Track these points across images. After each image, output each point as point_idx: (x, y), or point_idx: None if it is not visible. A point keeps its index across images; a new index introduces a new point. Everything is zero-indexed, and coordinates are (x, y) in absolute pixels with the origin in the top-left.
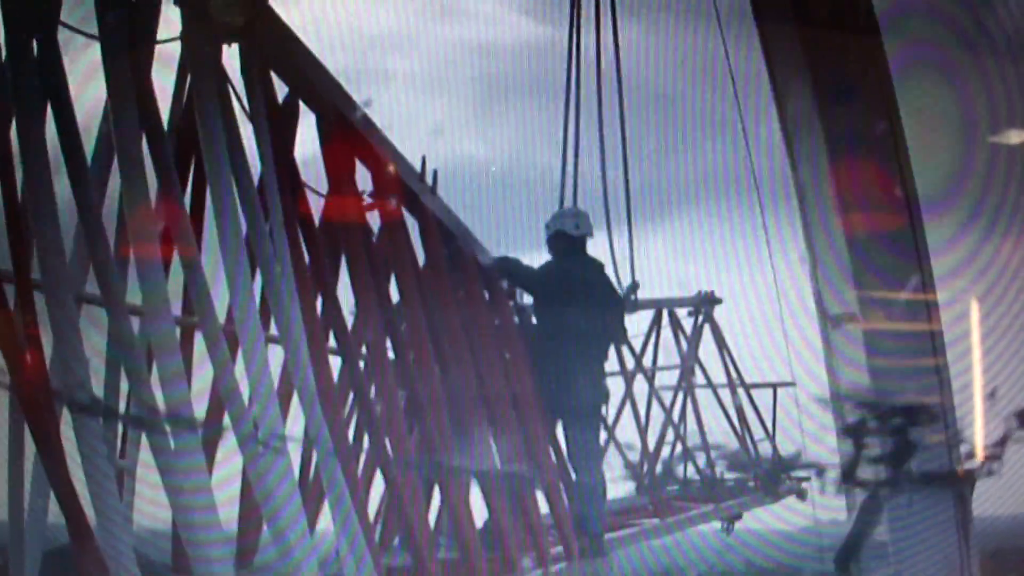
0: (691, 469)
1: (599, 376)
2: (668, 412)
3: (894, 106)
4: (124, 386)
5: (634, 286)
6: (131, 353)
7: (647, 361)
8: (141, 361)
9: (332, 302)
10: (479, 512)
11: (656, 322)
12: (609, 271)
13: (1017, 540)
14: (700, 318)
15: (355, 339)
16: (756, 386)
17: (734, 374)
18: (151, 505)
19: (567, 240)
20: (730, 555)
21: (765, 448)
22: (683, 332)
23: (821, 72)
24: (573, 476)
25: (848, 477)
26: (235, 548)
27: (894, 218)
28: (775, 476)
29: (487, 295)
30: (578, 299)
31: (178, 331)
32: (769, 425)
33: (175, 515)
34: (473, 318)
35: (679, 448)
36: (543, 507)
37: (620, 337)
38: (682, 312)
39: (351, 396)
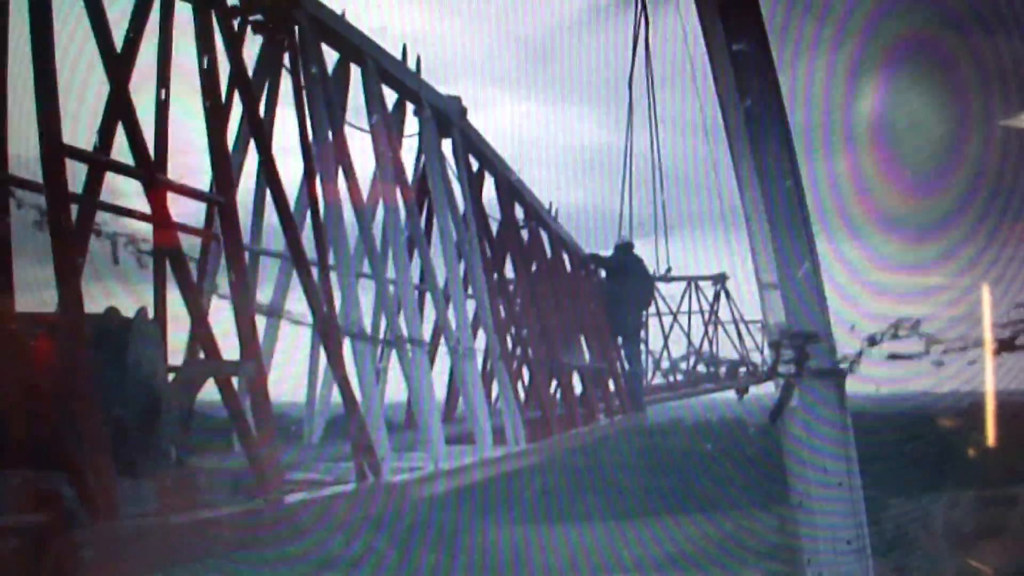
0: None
1: (638, 316)
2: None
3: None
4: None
5: (669, 269)
6: (388, 305)
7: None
8: (394, 309)
9: (502, 276)
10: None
11: (688, 289)
12: (649, 261)
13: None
14: (718, 287)
15: (514, 297)
16: (751, 322)
17: (738, 316)
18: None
19: (624, 245)
20: (738, 409)
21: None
22: (703, 294)
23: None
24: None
25: (773, 372)
26: (443, 410)
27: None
28: (759, 371)
29: (583, 273)
30: (627, 274)
31: (416, 292)
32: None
33: (410, 395)
34: (575, 286)
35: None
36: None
37: (650, 297)
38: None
39: (512, 327)
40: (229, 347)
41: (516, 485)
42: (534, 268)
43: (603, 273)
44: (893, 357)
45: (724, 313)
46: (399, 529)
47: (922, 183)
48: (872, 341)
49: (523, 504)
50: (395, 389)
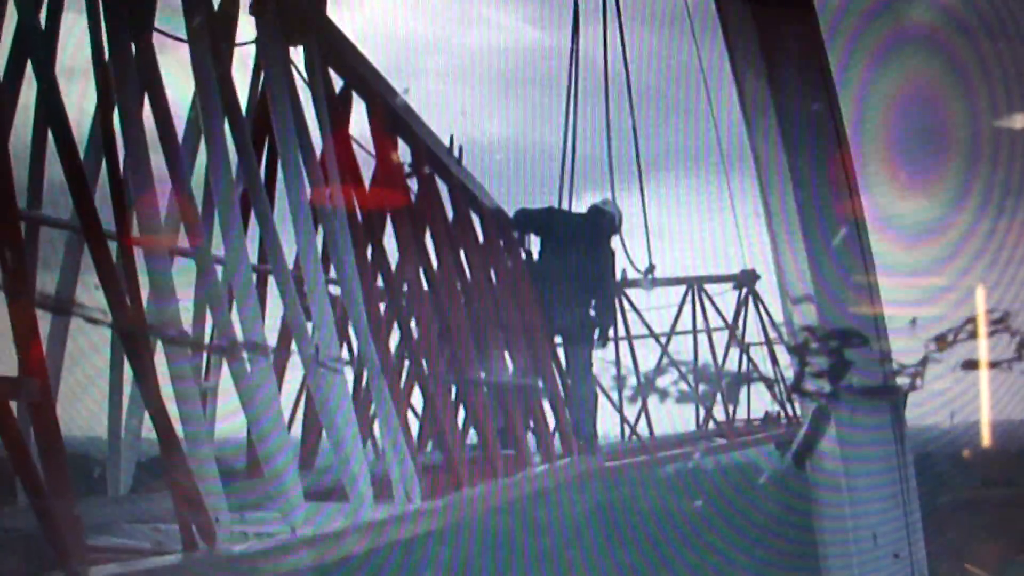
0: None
1: (588, 305)
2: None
3: (831, 87)
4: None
5: (650, 268)
6: (216, 295)
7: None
8: (224, 301)
9: (379, 249)
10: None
11: (695, 295)
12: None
13: (944, 447)
14: (743, 291)
15: (398, 279)
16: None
17: (773, 336)
18: (230, 420)
19: (593, 209)
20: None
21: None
22: (712, 302)
23: (772, 56)
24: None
25: (797, 389)
26: (299, 453)
27: (833, 176)
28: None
29: (502, 242)
30: (572, 239)
31: (254, 276)
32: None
33: (250, 427)
34: (491, 261)
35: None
36: (548, 414)
37: (609, 273)
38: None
39: (395, 325)
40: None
41: (412, 560)
42: (428, 237)
43: (534, 242)
44: (970, 366)
45: (751, 332)
46: None
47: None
48: (941, 342)
49: None
50: (232, 418)
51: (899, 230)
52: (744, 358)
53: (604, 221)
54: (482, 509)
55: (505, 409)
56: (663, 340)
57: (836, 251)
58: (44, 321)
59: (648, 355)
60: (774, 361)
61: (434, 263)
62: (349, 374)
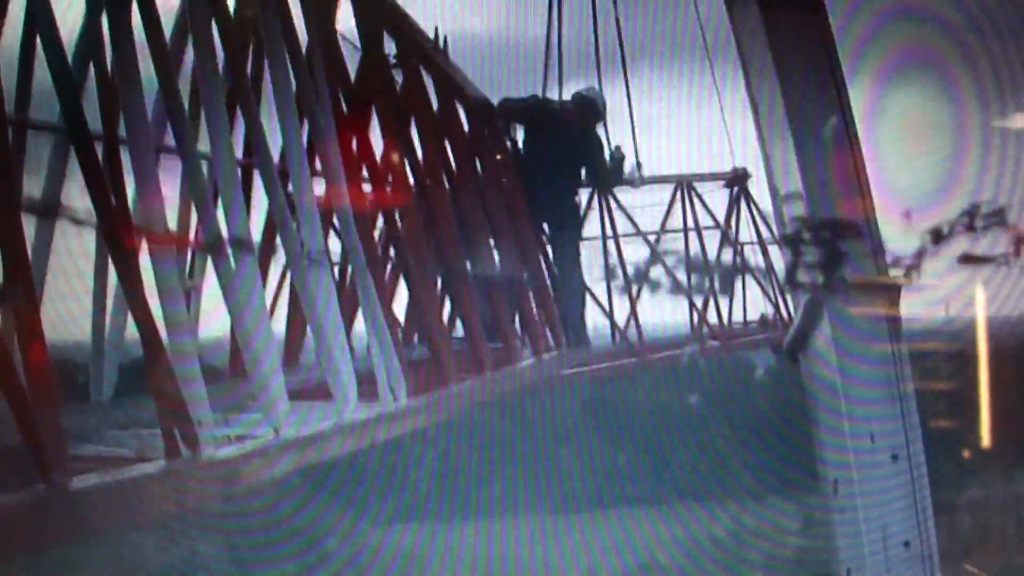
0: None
1: (576, 193)
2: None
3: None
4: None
5: (637, 165)
6: (201, 191)
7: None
8: (209, 198)
9: (365, 141)
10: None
11: (684, 194)
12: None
13: (938, 339)
14: (734, 190)
15: (383, 171)
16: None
17: (766, 237)
18: (214, 319)
19: (577, 96)
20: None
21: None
22: (702, 201)
23: None
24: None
25: (790, 280)
26: (282, 351)
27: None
28: None
29: (488, 132)
30: (558, 128)
31: (240, 171)
32: None
33: (234, 326)
34: (477, 151)
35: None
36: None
37: (597, 161)
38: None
39: (380, 218)
40: None
41: (399, 461)
42: (414, 128)
43: (519, 132)
44: (967, 260)
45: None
46: (231, 526)
47: None
48: (937, 236)
49: (411, 491)
50: (215, 318)
51: (889, 122)
52: (737, 257)
53: (589, 107)
54: (472, 403)
55: (492, 302)
56: (652, 239)
57: (824, 144)
58: (29, 226)
59: (637, 255)
60: (768, 262)
61: (419, 155)
62: (334, 270)
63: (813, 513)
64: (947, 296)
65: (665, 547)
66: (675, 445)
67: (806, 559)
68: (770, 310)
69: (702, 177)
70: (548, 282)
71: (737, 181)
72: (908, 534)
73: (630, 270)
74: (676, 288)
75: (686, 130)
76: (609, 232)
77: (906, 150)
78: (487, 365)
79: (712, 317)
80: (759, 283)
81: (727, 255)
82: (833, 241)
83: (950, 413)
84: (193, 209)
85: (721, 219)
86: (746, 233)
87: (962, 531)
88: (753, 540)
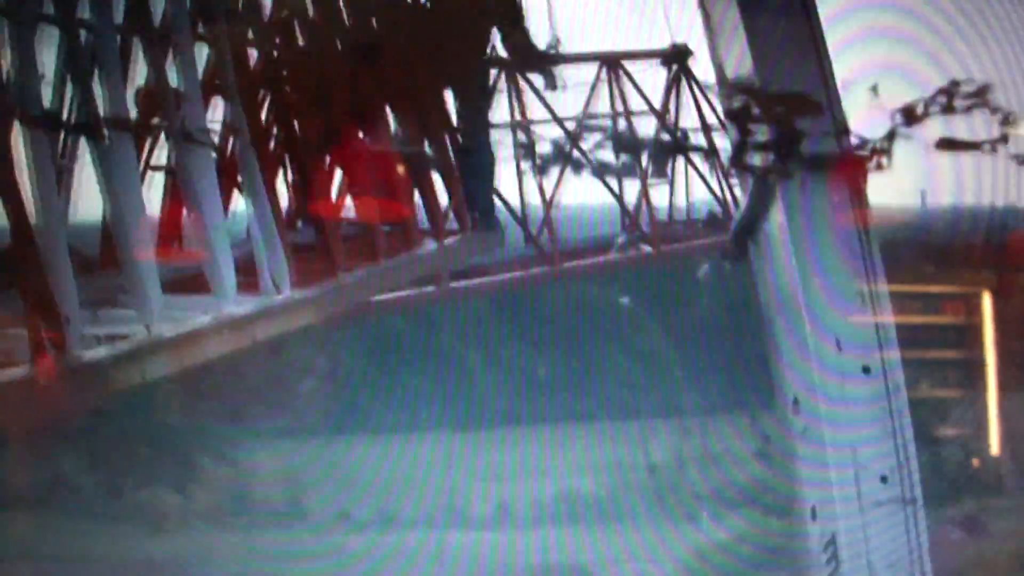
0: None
1: (481, 50)
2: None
3: None
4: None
5: (555, 41)
6: (78, 63)
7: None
8: (87, 72)
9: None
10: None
11: (609, 73)
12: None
13: (908, 232)
14: (673, 69)
15: (271, 33)
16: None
17: (712, 120)
18: (86, 203)
19: None
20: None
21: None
22: (633, 82)
23: None
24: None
25: (737, 162)
26: (158, 240)
27: None
28: None
29: None
30: None
31: (119, 41)
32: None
33: (107, 211)
34: (371, 10)
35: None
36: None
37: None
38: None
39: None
40: None
41: (283, 363)
42: None
43: None
44: (946, 145)
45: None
46: (102, 438)
47: None
48: (909, 116)
49: (295, 398)
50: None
51: None
52: (677, 145)
53: None
54: (366, 297)
55: (388, 179)
56: (572, 126)
57: (774, 10)
58: None
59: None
60: (714, 150)
61: (311, 11)
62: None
63: (769, 435)
64: (921, 181)
65: (591, 472)
66: (609, 352)
67: (761, 493)
68: (717, 208)
69: (634, 55)
70: (452, 155)
71: (676, 58)
72: (884, 465)
73: (546, 160)
74: (600, 175)
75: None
76: (520, 117)
77: (872, 15)
78: (381, 251)
79: (646, 217)
80: (702, 177)
81: (664, 141)
82: (787, 117)
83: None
84: (69, 83)
85: (656, 102)
86: (687, 120)
87: (948, 470)
88: (696, 468)
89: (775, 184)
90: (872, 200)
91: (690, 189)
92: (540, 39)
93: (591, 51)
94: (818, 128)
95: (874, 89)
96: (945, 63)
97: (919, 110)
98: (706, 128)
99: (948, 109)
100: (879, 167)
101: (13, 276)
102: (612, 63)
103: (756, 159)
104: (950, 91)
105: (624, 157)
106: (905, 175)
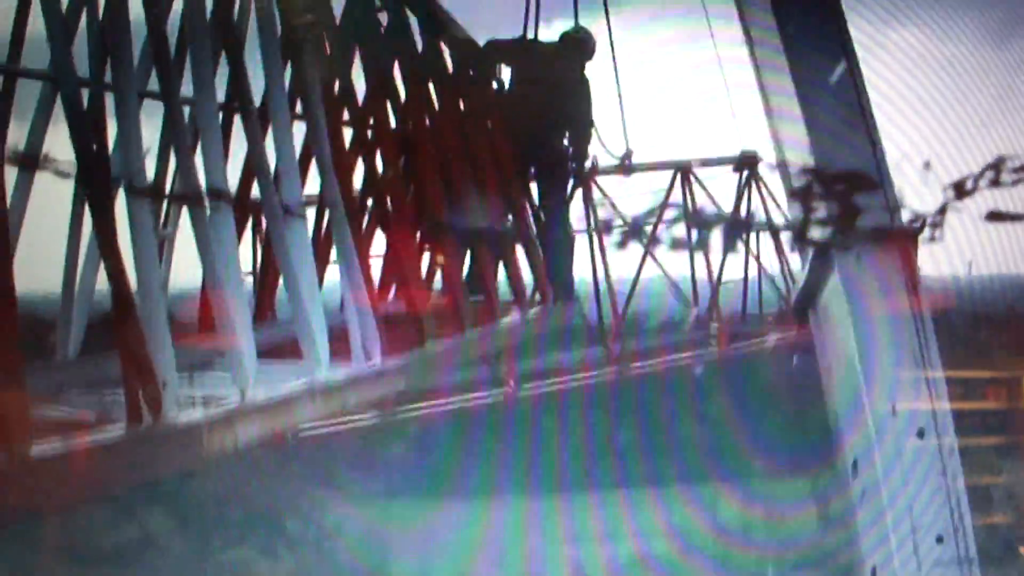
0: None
1: (564, 137)
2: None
3: None
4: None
5: (628, 154)
6: (181, 138)
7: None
8: (188, 145)
9: (347, 84)
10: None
11: (682, 181)
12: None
13: (960, 300)
14: (744, 174)
15: (365, 115)
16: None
17: (780, 225)
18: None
19: (565, 37)
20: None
21: None
22: (704, 188)
23: None
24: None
25: (799, 237)
26: (255, 306)
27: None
28: None
29: (473, 74)
30: (548, 71)
31: (220, 115)
32: None
33: (205, 279)
34: (462, 93)
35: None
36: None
37: (586, 108)
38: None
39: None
40: None
41: (372, 428)
42: (396, 68)
43: (506, 74)
44: (995, 217)
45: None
46: (194, 505)
47: None
48: (959, 190)
49: (390, 464)
50: (184, 268)
51: (899, 63)
52: (748, 247)
53: (577, 48)
54: (453, 364)
55: (474, 253)
56: (646, 229)
57: (831, 94)
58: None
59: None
60: (781, 252)
61: (403, 97)
62: (309, 219)
63: (830, 499)
64: (969, 251)
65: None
66: (674, 423)
67: (824, 555)
68: (786, 307)
69: (706, 163)
70: (534, 232)
71: (747, 164)
72: (940, 526)
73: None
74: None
75: (683, 111)
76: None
77: (921, 93)
78: (467, 322)
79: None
80: (771, 278)
81: (735, 241)
82: (845, 194)
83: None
84: (172, 156)
85: (727, 205)
86: (757, 221)
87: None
88: (761, 531)
89: (833, 257)
90: (922, 269)
91: (761, 286)
92: (613, 149)
93: (664, 160)
94: (873, 203)
95: (927, 165)
96: (994, 138)
97: (969, 184)
98: (774, 229)
99: (996, 183)
100: (931, 239)
101: (114, 339)
102: (684, 171)
103: (816, 234)
104: (998, 165)
105: (696, 257)
106: (952, 245)
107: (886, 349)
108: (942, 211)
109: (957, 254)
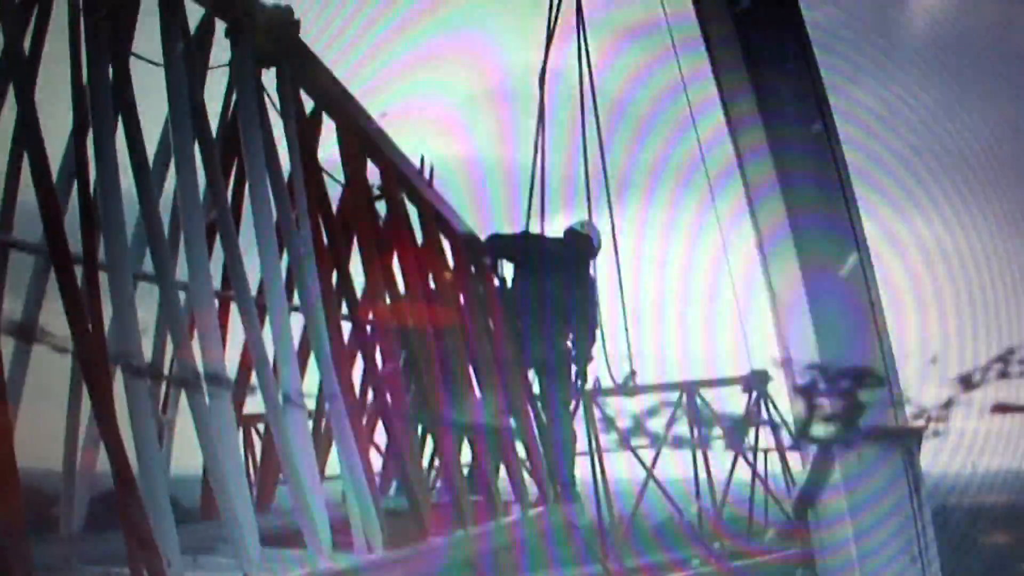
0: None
1: (566, 337)
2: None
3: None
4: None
5: (631, 374)
6: (177, 322)
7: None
8: (184, 329)
9: (345, 277)
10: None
11: (689, 401)
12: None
13: (962, 497)
14: (753, 395)
15: (363, 308)
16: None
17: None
18: (186, 455)
19: (570, 232)
20: None
21: None
22: (710, 409)
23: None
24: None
25: (801, 434)
26: (255, 493)
27: (831, 200)
28: None
29: (474, 269)
30: (552, 267)
31: (217, 302)
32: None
33: (206, 464)
34: (463, 288)
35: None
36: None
37: (589, 304)
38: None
39: (359, 357)
40: None
41: None
42: (396, 261)
43: (508, 268)
44: (1001, 409)
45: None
46: None
47: None
48: (968, 383)
49: None
50: (184, 453)
51: (907, 258)
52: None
53: (582, 244)
54: (452, 559)
55: (475, 451)
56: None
57: (838, 297)
58: (6, 347)
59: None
60: (788, 473)
61: (402, 290)
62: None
63: None
64: (973, 445)
65: None
66: None
67: None
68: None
69: (713, 383)
70: (536, 430)
71: (756, 383)
72: None
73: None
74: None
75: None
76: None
77: (928, 288)
78: (469, 519)
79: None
80: (776, 498)
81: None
82: (852, 391)
83: None
84: (169, 340)
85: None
86: (765, 440)
87: None
88: None
89: (835, 455)
90: (923, 464)
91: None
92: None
93: (668, 382)
94: (878, 399)
95: (933, 360)
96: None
97: (976, 378)
98: (781, 447)
99: (1004, 375)
100: (935, 435)
101: (117, 516)
102: (692, 391)
103: (818, 431)
104: (1006, 358)
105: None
106: (956, 439)
107: (885, 544)
108: (948, 406)
109: (963, 450)
